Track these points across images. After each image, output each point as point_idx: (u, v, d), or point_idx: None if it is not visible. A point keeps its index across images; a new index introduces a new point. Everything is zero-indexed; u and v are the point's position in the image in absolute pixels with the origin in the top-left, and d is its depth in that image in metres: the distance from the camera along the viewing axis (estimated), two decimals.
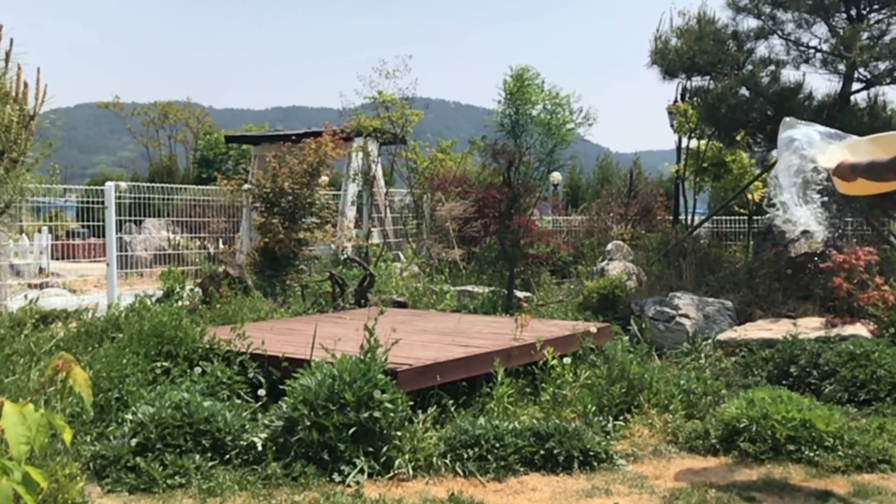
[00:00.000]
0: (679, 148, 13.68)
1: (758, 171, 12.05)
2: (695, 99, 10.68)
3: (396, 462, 4.21)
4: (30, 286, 10.89)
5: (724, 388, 5.69)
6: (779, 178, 4.37)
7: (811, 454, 4.45)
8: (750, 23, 9.77)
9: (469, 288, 9.48)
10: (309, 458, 4.16)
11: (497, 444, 4.35)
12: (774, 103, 9.13)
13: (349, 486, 4.02)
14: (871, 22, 9.23)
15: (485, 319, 7.30)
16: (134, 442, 4.17)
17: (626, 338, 6.81)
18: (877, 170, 3.98)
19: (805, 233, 8.49)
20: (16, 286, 10.30)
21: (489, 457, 4.29)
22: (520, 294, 9.20)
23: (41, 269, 12.83)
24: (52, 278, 12.10)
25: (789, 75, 9.44)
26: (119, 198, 10.34)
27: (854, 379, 5.69)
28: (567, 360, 5.47)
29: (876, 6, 9.34)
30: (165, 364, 5.08)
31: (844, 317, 7.05)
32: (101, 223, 10.12)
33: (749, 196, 12.77)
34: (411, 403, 4.54)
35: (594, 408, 5.07)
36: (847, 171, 4.06)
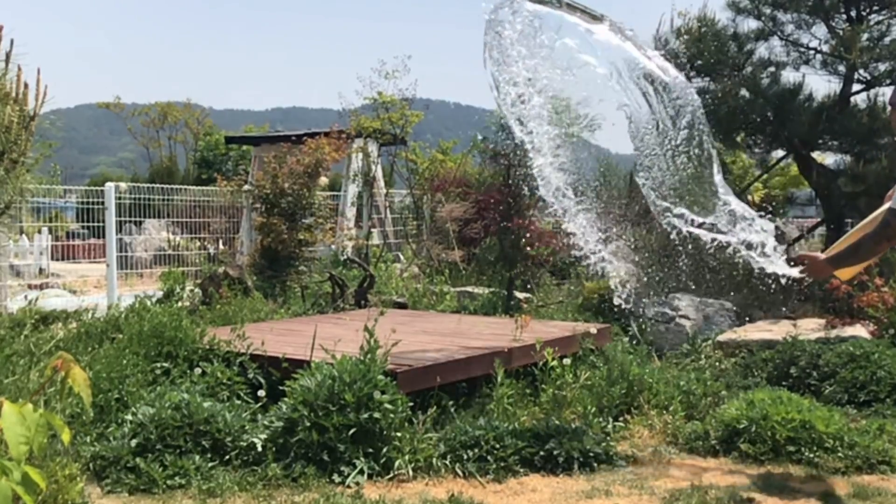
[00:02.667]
0: None
1: (758, 173, 12.06)
2: None
3: (396, 463, 4.21)
4: (30, 287, 10.89)
5: (724, 389, 5.68)
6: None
7: (811, 455, 4.44)
8: (750, 24, 9.78)
9: (469, 289, 9.48)
10: (309, 459, 4.16)
11: (497, 445, 4.34)
12: (774, 105, 9.13)
13: (349, 486, 4.02)
14: (871, 23, 9.23)
15: (485, 320, 7.30)
16: (134, 443, 4.17)
17: (626, 339, 6.82)
18: (864, 250, 3.80)
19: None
20: (16, 287, 10.30)
21: (489, 458, 4.29)
22: (520, 295, 9.19)
23: (41, 270, 12.82)
24: (52, 279, 12.09)
25: (789, 76, 9.45)
26: (119, 198, 10.34)
27: (854, 380, 5.68)
28: (567, 360, 5.46)
29: (876, 7, 9.34)
30: (165, 365, 5.07)
31: (844, 318, 7.04)
32: (101, 224, 10.12)
33: (750, 197, 12.77)
34: (411, 404, 4.53)
35: (594, 409, 5.06)
36: (824, 268, 3.96)
